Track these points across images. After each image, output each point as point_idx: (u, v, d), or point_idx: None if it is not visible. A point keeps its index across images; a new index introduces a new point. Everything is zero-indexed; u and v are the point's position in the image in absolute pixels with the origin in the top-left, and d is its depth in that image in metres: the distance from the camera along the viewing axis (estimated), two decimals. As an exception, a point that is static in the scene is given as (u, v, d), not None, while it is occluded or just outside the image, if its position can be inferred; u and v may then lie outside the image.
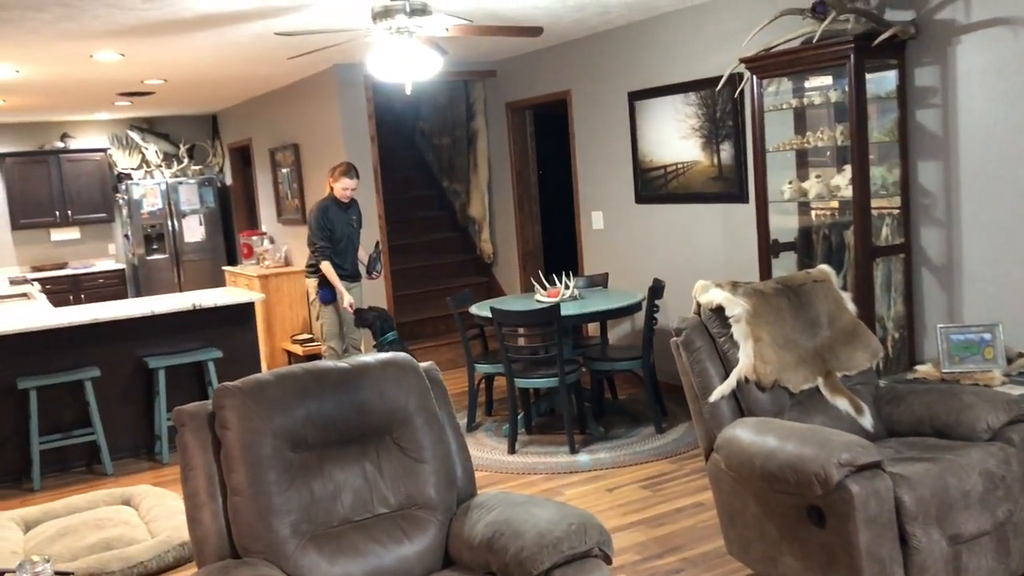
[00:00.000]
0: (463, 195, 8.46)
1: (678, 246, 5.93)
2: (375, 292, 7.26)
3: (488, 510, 2.64)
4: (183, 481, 2.57)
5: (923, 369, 3.93)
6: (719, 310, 3.51)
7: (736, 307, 3.47)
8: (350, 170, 6.04)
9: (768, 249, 4.83)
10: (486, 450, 5.23)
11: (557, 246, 8.08)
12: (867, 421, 3.43)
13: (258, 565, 2.39)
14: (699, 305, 3.60)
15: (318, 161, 7.63)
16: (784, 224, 4.92)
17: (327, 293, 6.00)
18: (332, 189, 6.02)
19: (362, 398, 2.70)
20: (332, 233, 5.95)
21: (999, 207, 4.06)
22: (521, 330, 5.84)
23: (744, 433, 3.19)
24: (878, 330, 4.45)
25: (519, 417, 5.39)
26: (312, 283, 6.11)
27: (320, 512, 2.57)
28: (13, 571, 2.17)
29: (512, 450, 5.15)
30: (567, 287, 5.60)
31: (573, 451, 5.05)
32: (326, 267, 5.92)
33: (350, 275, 6.10)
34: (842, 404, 3.43)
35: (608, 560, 2.43)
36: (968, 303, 4.23)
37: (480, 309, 5.50)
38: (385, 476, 2.70)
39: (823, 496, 2.84)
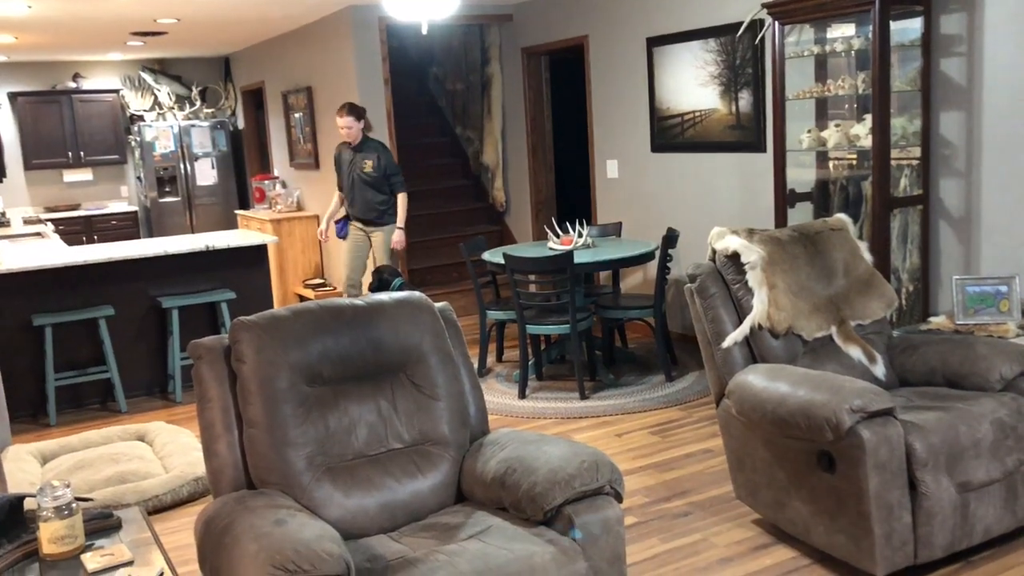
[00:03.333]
0: (476, 142, 8.40)
1: (693, 196, 5.89)
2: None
3: (501, 447, 2.66)
4: (199, 413, 2.59)
5: (937, 321, 3.92)
6: (734, 257, 3.49)
7: (752, 254, 3.45)
8: (341, 108, 6.02)
9: (785, 199, 4.79)
10: (496, 395, 5.27)
11: (571, 195, 8.04)
12: (880, 370, 3.44)
13: (273, 495, 2.42)
14: (714, 252, 3.59)
15: (331, 105, 7.57)
16: (801, 174, 4.87)
17: (341, 229, 6.37)
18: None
19: (377, 335, 2.71)
20: (339, 174, 6.25)
21: (1021, 159, 4.00)
22: (533, 277, 5.83)
23: (756, 379, 3.20)
24: (893, 281, 4.43)
25: (530, 363, 5.41)
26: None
27: (335, 446, 2.60)
28: (34, 495, 2.21)
29: (522, 395, 5.19)
30: (580, 235, 5.58)
31: (583, 397, 5.08)
32: (333, 200, 6.46)
33: (361, 220, 6.25)
34: (855, 352, 3.43)
35: (619, 498, 2.45)
36: (985, 256, 4.20)
37: (493, 256, 5.50)
38: (399, 412, 2.72)
39: (834, 442, 2.86)
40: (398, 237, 6.17)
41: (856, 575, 2.97)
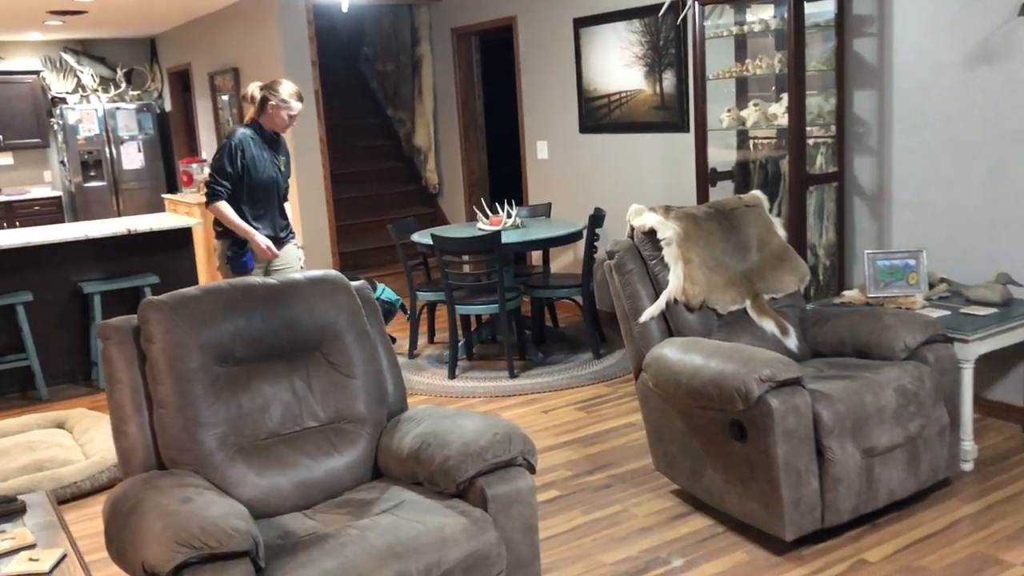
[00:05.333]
0: (408, 123, 8.36)
1: (620, 176, 5.95)
2: (315, 222, 7.20)
3: (417, 423, 2.68)
4: (108, 395, 2.55)
5: (850, 294, 4.03)
6: (651, 233, 3.55)
7: (668, 230, 3.51)
8: (293, 91, 4.45)
9: (706, 178, 4.86)
10: (426, 375, 5.28)
11: (503, 176, 8.05)
12: (792, 342, 3.53)
13: (183, 475, 2.40)
14: (632, 228, 3.64)
15: (259, 86, 7.46)
16: (723, 153, 4.96)
17: (239, 258, 4.46)
18: (258, 114, 4.45)
19: (291, 314, 2.70)
20: (249, 176, 4.39)
21: (927, 137, 4.13)
22: (467, 258, 5.84)
23: (671, 352, 3.26)
24: (810, 257, 4.54)
25: (460, 344, 5.43)
26: (221, 247, 4.54)
27: (248, 425, 2.58)
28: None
29: (452, 375, 5.20)
30: (509, 215, 5.61)
31: (513, 376, 5.12)
32: (220, 208, 4.36)
33: (268, 237, 4.52)
34: (768, 325, 3.52)
35: (532, 469, 2.49)
36: (896, 231, 4.33)
37: (421, 237, 5.49)
38: (315, 391, 2.71)
39: (744, 411, 2.93)
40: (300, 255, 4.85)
41: (767, 540, 3.07)
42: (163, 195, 9.47)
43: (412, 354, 5.68)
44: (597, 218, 5.43)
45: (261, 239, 4.44)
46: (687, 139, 5.27)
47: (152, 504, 2.17)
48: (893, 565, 2.89)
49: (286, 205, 4.78)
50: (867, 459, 3.03)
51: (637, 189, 5.77)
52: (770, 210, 3.93)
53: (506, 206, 5.68)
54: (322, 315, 2.74)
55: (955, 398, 3.35)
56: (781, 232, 3.77)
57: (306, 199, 7.16)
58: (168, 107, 10.25)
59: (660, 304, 3.46)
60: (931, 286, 3.94)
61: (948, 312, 3.66)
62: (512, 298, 5.20)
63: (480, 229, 5.50)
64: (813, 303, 4.09)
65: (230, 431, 2.54)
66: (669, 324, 3.48)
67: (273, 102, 4.39)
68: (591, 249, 5.35)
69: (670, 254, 3.49)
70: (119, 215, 9.59)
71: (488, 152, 7.75)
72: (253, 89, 4.47)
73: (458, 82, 7.50)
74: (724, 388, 2.96)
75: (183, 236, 5.91)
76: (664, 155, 5.58)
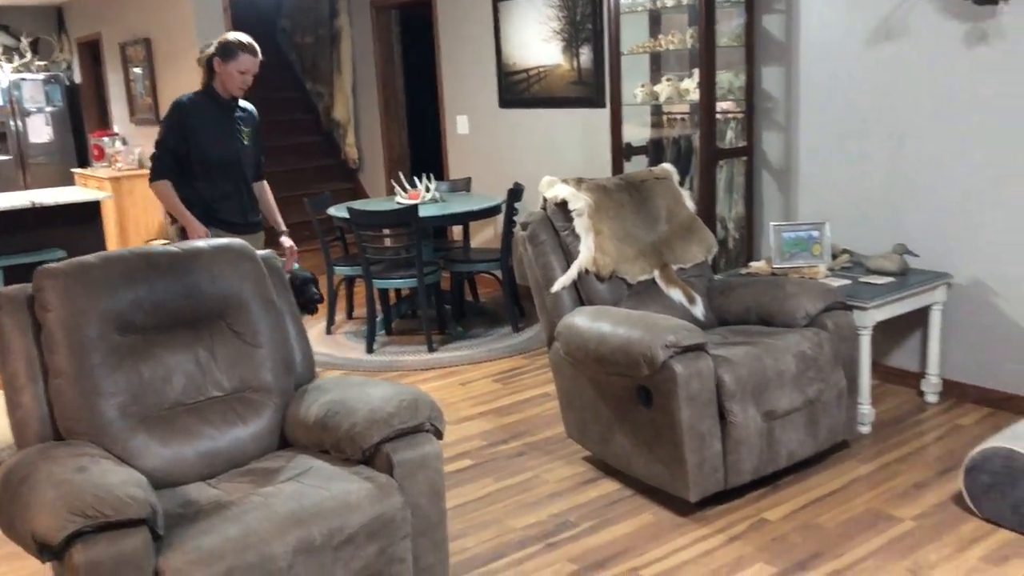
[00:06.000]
0: (327, 97, 8.24)
1: (539, 151, 5.98)
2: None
3: (324, 392, 2.66)
4: (1, 366, 2.48)
5: (756, 265, 4.14)
6: (563, 204, 3.59)
7: (579, 201, 3.55)
8: (247, 45, 3.86)
9: (621, 153, 4.93)
10: (344, 350, 5.24)
11: (424, 151, 8.01)
12: (699, 310, 3.61)
13: (80, 445, 2.34)
14: (545, 200, 3.67)
15: (171, 58, 7.26)
16: (638, 128, 5.02)
17: None
18: (208, 77, 3.88)
19: (194, 282, 2.65)
20: (200, 150, 3.80)
21: (832, 113, 4.26)
22: (387, 231, 5.80)
23: (581, 320, 3.31)
24: (720, 230, 4.65)
25: (379, 319, 5.41)
26: (173, 233, 4.18)
27: (149, 395, 2.53)
28: None
29: (370, 350, 5.18)
30: (428, 189, 5.59)
31: (431, 350, 5.12)
32: (159, 188, 3.85)
33: (234, 224, 3.93)
34: (676, 294, 3.60)
35: (439, 435, 2.50)
36: (802, 203, 4.46)
37: (338, 211, 5.43)
38: (219, 360, 2.68)
39: (650, 376, 3.00)
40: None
41: (673, 502, 3.15)
42: (73, 170, 9.17)
43: (329, 330, 5.63)
44: (516, 192, 5.45)
45: (196, 225, 3.80)
46: (604, 114, 5.31)
47: (45, 474, 2.12)
48: (792, 523, 3.00)
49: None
50: (768, 422, 3.13)
51: (555, 164, 5.80)
52: (682, 184, 4.02)
53: (424, 180, 5.66)
54: (226, 283, 2.70)
55: (853, 363, 3.48)
56: (690, 204, 3.85)
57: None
58: (78, 78, 9.89)
59: (571, 274, 3.50)
60: (834, 257, 4.07)
61: (849, 281, 3.79)
62: (431, 272, 5.20)
63: (398, 203, 5.47)
64: (721, 274, 4.19)
65: (131, 401, 2.49)
66: (580, 294, 3.53)
67: (218, 58, 3.78)
68: (510, 223, 5.37)
69: (581, 225, 3.53)
70: (27, 190, 9.24)
71: (409, 127, 7.70)
72: (204, 58, 3.89)
73: (377, 56, 7.42)
74: (631, 354, 3.02)
75: (91, 210, 5.73)
76: (582, 130, 5.62)
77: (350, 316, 5.95)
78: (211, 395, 2.64)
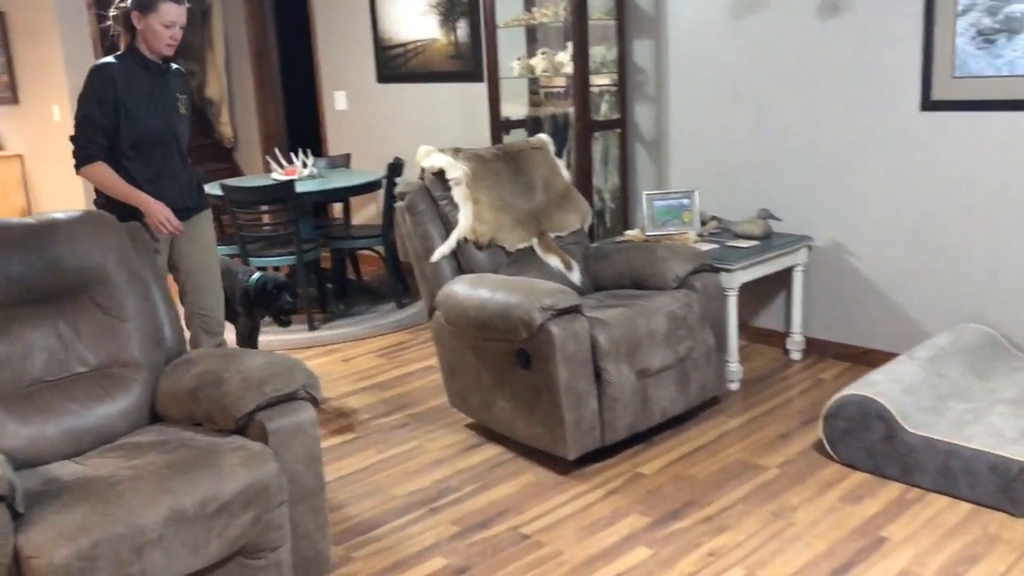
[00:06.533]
0: (199, 75, 7.96)
1: (419, 126, 5.95)
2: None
3: (195, 364, 2.60)
4: None
5: (631, 233, 4.26)
6: (440, 174, 3.60)
7: (456, 170, 3.57)
8: None
9: (499, 127, 4.97)
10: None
11: (302, 128, 7.84)
12: (576, 276, 3.70)
13: (-70, 426, 2.23)
14: (423, 170, 3.68)
15: (27, 31, 6.87)
16: (516, 102, 5.07)
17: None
18: (130, 36, 3.22)
19: (53, 255, 2.54)
20: (129, 122, 3.18)
21: (700, 84, 4.40)
22: (264, 208, 5.67)
23: (461, 288, 3.34)
24: (597, 201, 4.75)
25: (258, 298, 5.29)
26: None
27: (8, 372, 2.43)
28: None
29: (250, 329, 5.07)
30: (305, 165, 5.49)
31: (312, 328, 5.05)
32: (96, 172, 3.19)
33: (177, 209, 3.32)
34: (553, 262, 3.67)
35: (315, 402, 2.48)
36: (673, 173, 4.61)
37: (211, 188, 5.27)
38: (82, 335, 2.58)
39: (528, 339, 3.06)
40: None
41: (553, 461, 3.22)
42: (-79, 152, 8.58)
43: (207, 311, 5.47)
44: (396, 167, 5.42)
45: (157, 207, 3.21)
46: (482, 88, 5.33)
47: None
48: (665, 476, 3.12)
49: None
50: (641, 380, 3.24)
51: (435, 139, 5.77)
52: (559, 156, 4.08)
53: (300, 155, 5.56)
54: (87, 256, 2.60)
55: (721, 323, 3.63)
56: (565, 173, 3.92)
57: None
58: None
59: (450, 243, 3.52)
60: (703, 223, 4.23)
61: (716, 246, 3.94)
62: (310, 250, 5.12)
63: (274, 179, 5.36)
64: (598, 243, 4.29)
65: (-15, 380, 2.38)
66: (460, 263, 3.56)
67: (136, 11, 3.13)
68: (391, 199, 5.34)
69: (459, 194, 3.56)
70: None
71: (285, 104, 7.53)
72: (116, 4, 3.23)
73: (251, 32, 7.22)
74: (509, 318, 3.07)
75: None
76: (461, 105, 5.63)
77: (229, 297, 5.80)
78: (75, 371, 2.54)
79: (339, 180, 5.38)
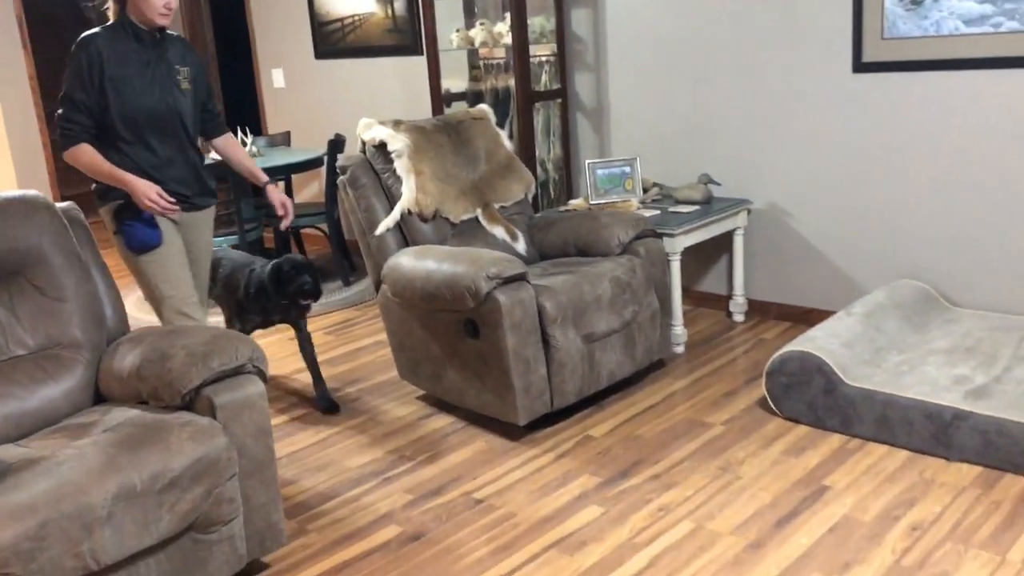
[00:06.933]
0: (132, 56, 7.78)
1: (359, 101, 5.90)
2: (31, 165, 6.59)
3: (138, 343, 2.57)
4: None
5: (575, 203, 4.29)
6: (382, 147, 3.59)
7: (398, 142, 3.56)
8: None
9: (440, 99, 4.94)
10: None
11: (240, 107, 7.72)
12: (521, 246, 3.72)
13: None
14: (364, 143, 3.66)
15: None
16: (456, 75, 5.06)
17: (136, 232, 2.97)
18: (120, 5, 2.95)
19: (-15, 237, 2.48)
20: (121, 100, 2.89)
21: (638, 52, 4.44)
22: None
23: (406, 260, 3.34)
24: (541, 172, 4.77)
25: (201, 280, 5.22)
26: (106, 215, 3.04)
27: (-58, 358, 2.37)
28: None
29: (194, 312, 5.00)
30: (244, 144, 5.41)
31: (258, 308, 5.00)
32: (79, 154, 2.88)
33: (184, 198, 3.07)
34: (498, 232, 3.68)
35: (263, 376, 2.47)
36: (615, 142, 4.65)
37: (150, 169, 5.17)
38: (21, 318, 2.53)
39: (475, 308, 3.07)
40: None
41: (504, 428, 3.26)
42: None
43: (150, 295, 5.38)
44: (337, 144, 5.36)
45: (143, 185, 2.87)
46: (421, 62, 5.31)
47: None
48: (614, 437, 3.18)
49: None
50: (588, 344, 3.28)
51: (375, 115, 5.74)
52: (500, 126, 4.09)
53: (239, 134, 5.48)
54: (21, 238, 2.55)
55: (665, 287, 3.69)
56: (508, 144, 3.93)
57: (19, 143, 6.53)
58: None
59: (395, 215, 3.52)
60: (645, 190, 4.28)
61: (658, 212, 3.99)
62: (252, 229, 5.07)
63: (211, 159, 5.27)
64: (542, 213, 4.31)
65: (-80, 366, 2.32)
66: (405, 235, 3.55)
67: None
68: (333, 176, 5.29)
69: (402, 166, 3.55)
70: None
71: (222, 83, 7.40)
72: None
73: (183, 9, 7.06)
74: (455, 288, 3.08)
75: None
76: (400, 79, 5.59)
77: (171, 281, 5.71)
78: (15, 354, 2.50)
79: (279, 158, 5.32)
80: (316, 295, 3.42)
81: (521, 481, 2.91)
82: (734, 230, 4.14)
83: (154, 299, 3.06)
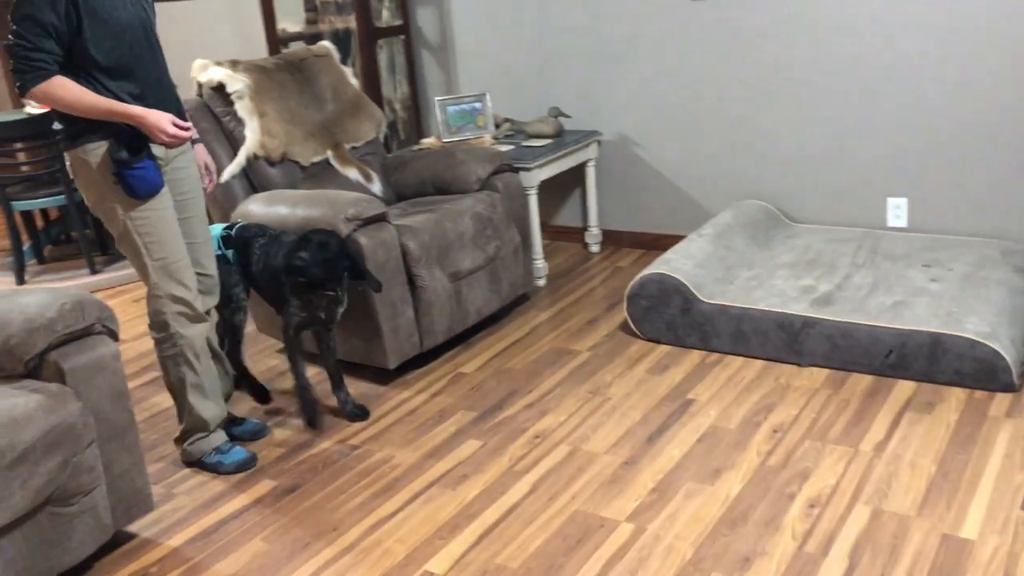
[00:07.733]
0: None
1: (189, 47, 5.51)
2: None
3: (-33, 311, 2.34)
4: None
5: (427, 142, 4.21)
6: (220, 88, 3.39)
7: (237, 83, 3.37)
8: None
9: (276, 41, 4.73)
10: (-11, 285, 4.65)
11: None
12: (376, 187, 3.63)
13: None
14: (200, 85, 3.44)
15: None
16: (293, 15, 4.83)
17: (148, 174, 2.44)
18: None
19: None
20: (95, 20, 2.32)
21: (481, -15, 4.38)
22: (20, 145, 5.12)
23: (256, 207, 3.19)
24: (388, 111, 4.65)
25: (28, 247, 4.83)
26: (80, 159, 2.45)
27: None
28: None
29: (21, 281, 4.63)
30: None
31: (94, 272, 4.68)
32: (56, 89, 2.30)
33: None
34: (352, 173, 3.57)
35: (114, 336, 2.31)
36: (463, 78, 4.58)
37: (-46, 127, 4.70)
38: None
39: (335, 252, 2.97)
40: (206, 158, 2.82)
41: (375, 373, 3.21)
42: None
43: (-32, 265, 4.94)
44: (167, 92, 5.04)
45: (156, 115, 2.39)
46: (253, 1, 5.04)
47: None
48: (486, 372, 3.18)
49: None
50: (454, 283, 3.26)
51: (208, 57, 5.43)
52: (343, 62, 3.94)
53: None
54: None
55: (525, 222, 3.69)
56: (354, 81, 3.80)
57: None
58: None
59: (240, 161, 3.35)
60: (497, 126, 4.25)
61: (513, 147, 3.98)
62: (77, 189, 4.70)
63: (28, 113, 4.85)
64: (394, 153, 4.22)
65: None
66: (252, 182, 3.39)
67: None
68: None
69: (243, 108, 3.37)
70: None
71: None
72: None
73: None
74: (313, 233, 2.96)
75: None
76: (234, 20, 5.29)
77: (-9, 249, 5.27)
78: None
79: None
80: (320, 281, 2.66)
81: (397, 423, 2.88)
82: (586, 162, 4.19)
83: (142, 265, 2.55)
